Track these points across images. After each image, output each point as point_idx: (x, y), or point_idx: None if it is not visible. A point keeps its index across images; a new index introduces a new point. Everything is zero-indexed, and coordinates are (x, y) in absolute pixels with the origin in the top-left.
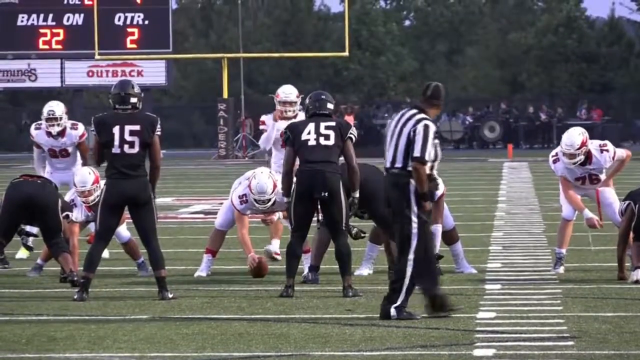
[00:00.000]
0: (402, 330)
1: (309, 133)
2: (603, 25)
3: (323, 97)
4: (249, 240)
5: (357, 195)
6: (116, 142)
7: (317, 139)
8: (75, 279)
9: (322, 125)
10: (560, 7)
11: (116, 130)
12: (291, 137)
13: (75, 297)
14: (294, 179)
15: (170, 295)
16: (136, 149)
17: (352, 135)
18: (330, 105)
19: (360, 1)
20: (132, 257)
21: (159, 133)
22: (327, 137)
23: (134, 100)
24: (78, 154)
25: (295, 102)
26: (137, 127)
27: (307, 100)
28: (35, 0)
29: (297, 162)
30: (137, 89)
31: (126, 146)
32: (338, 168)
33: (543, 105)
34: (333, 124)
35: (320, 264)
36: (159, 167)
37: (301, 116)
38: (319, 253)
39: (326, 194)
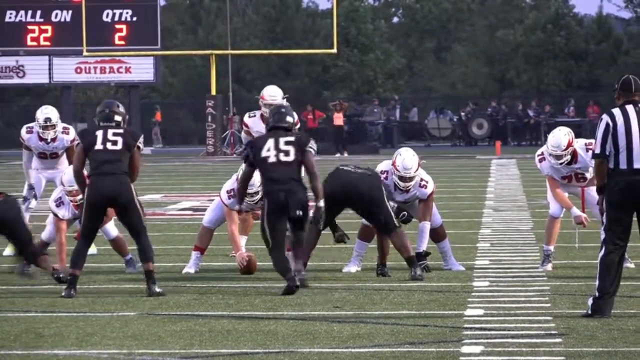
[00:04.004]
0: (389, 327)
1: (268, 150)
2: (591, 22)
3: (283, 110)
4: (239, 237)
5: (321, 204)
6: (99, 140)
7: (277, 155)
8: (62, 276)
9: (282, 140)
10: (548, 4)
11: (99, 133)
12: (251, 154)
13: (63, 294)
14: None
15: (158, 290)
16: (119, 147)
17: (311, 149)
18: (289, 119)
19: None
20: (120, 254)
21: (141, 145)
22: (286, 153)
23: (118, 118)
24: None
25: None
26: (120, 131)
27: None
28: None
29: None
30: (122, 109)
31: (109, 143)
32: (302, 182)
33: (532, 103)
34: (292, 139)
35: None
36: (134, 180)
37: None
38: (307, 251)
39: (300, 212)
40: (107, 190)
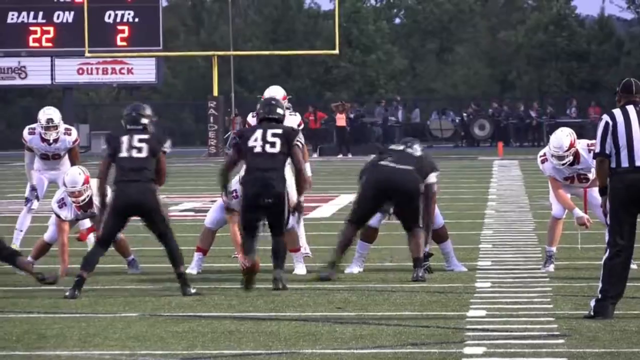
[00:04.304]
0: (392, 329)
1: (255, 140)
2: (593, 23)
3: (273, 102)
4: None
5: (302, 199)
6: (124, 147)
7: (263, 146)
8: (46, 277)
9: (270, 132)
10: (550, 5)
11: (125, 139)
12: (239, 142)
13: (67, 294)
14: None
15: (193, 291)
16: (144, 154)
17: (298, 143)
18: (280, 111)
19: None
20: (123, 255)
21: (167, 150)
22: (272, 145)
23: (145, 121)
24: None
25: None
26: (145, 137)
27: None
28: None
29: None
30: (149, 111)
31: (134, 150)
32: (283, 174)
33: (534, 104)
34: (280, 131)
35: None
36: (161, 185)
37: (288, 118)
38: (342, 247)
39: (270, 200)
40: (133, 197)
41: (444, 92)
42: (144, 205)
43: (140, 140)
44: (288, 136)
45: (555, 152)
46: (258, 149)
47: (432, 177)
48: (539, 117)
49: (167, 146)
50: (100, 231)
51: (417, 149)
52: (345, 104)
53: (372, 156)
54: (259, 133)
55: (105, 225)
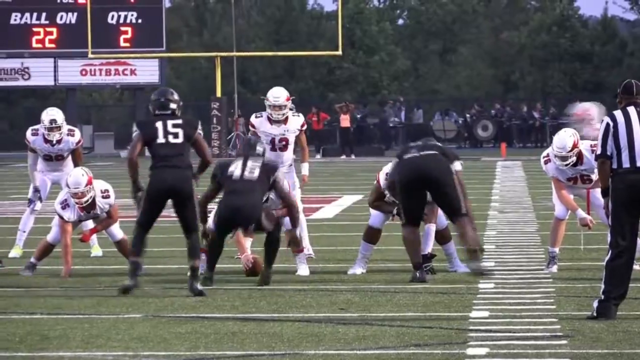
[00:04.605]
0: (395, 330)
1: (236, 167)
2: (596, 24)
3: (252, 142)
4: (244, 239)
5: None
6: (160, 133)
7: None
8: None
9: (250, 163)
10: (553, 6)
11: (159, 124)
12: (219, 175)
13: (129, 283)
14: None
15: (200, 288)
16: (180, 139)
17: (278, 179)
18: (259, 148)
19: (354, 0)
20: (125, 256)
21: (200, 132)
22: (251, 171)
23: (173, 105)
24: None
25: (285, 106)
26: (179, 122)
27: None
28: None
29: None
30: (176, 96)
31: (170, 136)
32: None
33: (537, 105)
34: (259, 164)
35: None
36: (210, 162)
37: (291, 119)
38: (416, 250)
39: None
40: (170, 182)
41: (447, 93)
42: (180, 192)
43: (175, 126)
44: (269, 169)
45: (559, 152)
46: (161, 140)
47: (458, 165)
48: (542, 118)
49: (199, 129)
50: (138, 214)
51: (436, 142)
52: (349, 105)
53: (373, 158)
54: (239, 163)
55: (144, 211)
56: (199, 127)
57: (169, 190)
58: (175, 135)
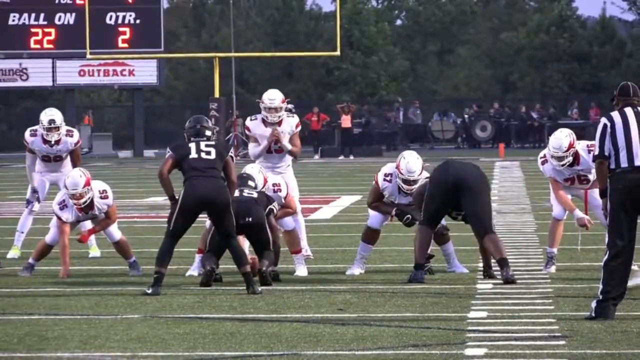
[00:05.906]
0: (393, 330)
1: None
2: (595, 24)
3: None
4: (242, 239)
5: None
6: (193, 151)
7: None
8: None
9: (203, 143)
10: (551, 6)
11: (192, 145)
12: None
13: (150, 291)
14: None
15: (260, 289)
16: (213, 156)
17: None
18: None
19: (352, 0)
20: (124, 257)
21: (232, 155)
22: (249, 189)
23: (208, 133)
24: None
25: (280, 108)
26: (211, 143)
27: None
28: None
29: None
30: (210, 124)
31: (203, 153)
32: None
33: (536, 105)
34: (255, 195)
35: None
36: (234, 183)
37: (285, 120)
38: (424, 250)
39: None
40: (205, 192)
41: (445, 94)
42: (217, 201)
43: (208, 145)
44: (261, 201)
45: (555, 152)
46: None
47: None
48: (540, 119)
49: (231, 153)
50: (170, 225)
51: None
52: (350, 105)
53: (372, 159)
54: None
55: (176, 221)
56: (231, 152)
57: (205, 200)
58: (208, 153)
